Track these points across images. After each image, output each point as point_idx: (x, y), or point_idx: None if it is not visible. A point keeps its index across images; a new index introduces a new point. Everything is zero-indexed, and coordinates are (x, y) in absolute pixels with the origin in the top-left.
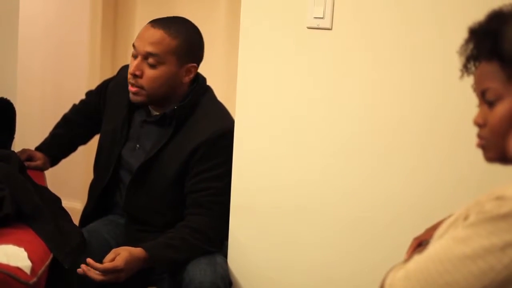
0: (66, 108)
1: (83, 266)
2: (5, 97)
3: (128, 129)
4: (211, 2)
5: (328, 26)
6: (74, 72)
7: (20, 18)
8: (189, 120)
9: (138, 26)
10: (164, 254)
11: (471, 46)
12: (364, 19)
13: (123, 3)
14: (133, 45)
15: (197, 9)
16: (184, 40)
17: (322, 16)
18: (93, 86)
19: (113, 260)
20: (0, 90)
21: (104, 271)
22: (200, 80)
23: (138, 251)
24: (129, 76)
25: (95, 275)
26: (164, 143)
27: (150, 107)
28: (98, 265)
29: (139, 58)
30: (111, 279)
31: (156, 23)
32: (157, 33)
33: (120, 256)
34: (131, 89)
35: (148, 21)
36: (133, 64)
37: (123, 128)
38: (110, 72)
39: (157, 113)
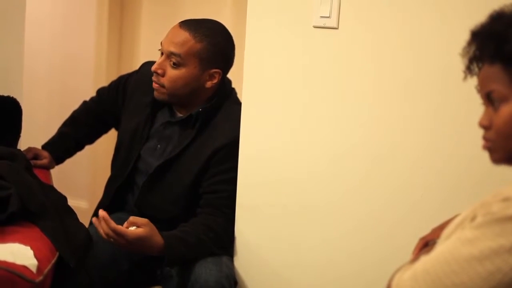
0: (72, 108)
1: (95, 219)
2: (11, 96)
3: (150, 128)
4: (218, 1)
5: (335, 25)
6: (80, 71)
7: (27, 20)
8: (211, 123)
9: (144, 26)
10: (178, 248)
11: (473, 48)
12: (371, 18)
13: (129, 3)
14: (161, 43)
15: (203, 8)
16: (210, 44)
17: (328, 15)
18: (99, 86)
19: (133, 224)
20: (6, 89)
21: (114, 231)
22: (226, 82)
23: (158, 239)
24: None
25: (102, 229)
26: (186, 145)
27: (174, 108)
28: (112, 223)
29: (163, 57)
30: (114, 242)
31: (185, 23)
32: (183, 34)
33: (139, 231)
34: (154, 85)
35: (179, 21)
36: (157, 62)
37: (145, 127)
38: (116, 72)
39: (181, 115)
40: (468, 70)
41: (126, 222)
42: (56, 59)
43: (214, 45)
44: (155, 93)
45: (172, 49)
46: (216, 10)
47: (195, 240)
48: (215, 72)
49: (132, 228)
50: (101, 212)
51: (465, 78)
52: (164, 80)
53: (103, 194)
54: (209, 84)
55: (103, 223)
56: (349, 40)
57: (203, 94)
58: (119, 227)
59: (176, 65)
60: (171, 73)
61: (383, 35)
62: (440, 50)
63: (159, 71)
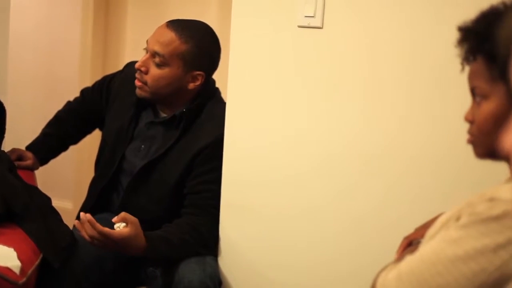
0: (57, 108)
1: (77, 222)
2: None
3: (134, 128)
4: (203, 1)
5: (319, 25)
6: (65, 70)
7: (11, 15)
8: (195, 123)
9: (129, 22)
10: (161, 248)
11: (462, 44)
12: (355, 18)
13: None
14: (147, 41)
15: (189, 9)
16: (195, 46)
17: (313, 15)
18: (84, 85)
19: (122, 220)
20: None
21: (100, 233)
22: (209, 82)
23: (142, 239)
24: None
25: (85, 232)
26: (170, 145)
27: (158, 108)
28: (98, 225)
29: (148, 55)
30: (98, 244)
31: (172, 24)
32: (169, 34)
33: (125, 231)
34: (136, 82)
35: (161, 20)
36: (141, 59)
37: (129, 127)
38: (101, 70)
39: (165, 115)
40: (463, 64)
41: (116, 217)
42: (41, 58)
43: (199, 47)
44: (137, 90)
45: (157, 48)
46: (202, 11)
47: (178, 240)
48: (198, 74)
49: (121, 226)
50: (84, 215)
51: (462, 70)
52: (147, 78)
53: (87, 195)
54: (191, 85)
55: (87, 225)
56: (333, 40)
57: (185, 95)
58: (105, 229)
59: (159, 65)
60: (154, 72)
61: (368, 35)
62: (427, 49)
63: (143, 69)
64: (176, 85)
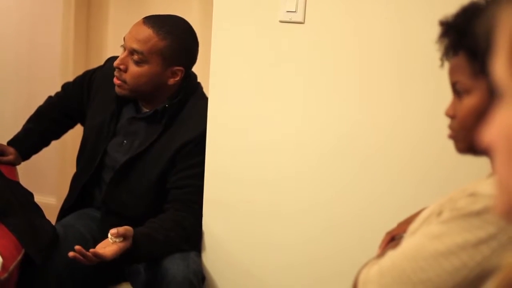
0: (38, 104)
1: (72, 253)
2: None
3: (116, 124)
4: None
5: (301, 20)
6: (47, 68)
7: None
8: (177, 118)
9: (111, 19)
10: (146, 246)
11: (442, 39)
12: (337, 13)
13: None
14: (124, 38)
15: (171, 6)
16: (173, 42)
17: (294, 10)
18: (65, 80)
19: (122, 232)
20: None
21: (96, 256)
22: (191, 77)
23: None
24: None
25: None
26: (153, 141)
27: (140, 104)
28: (99, 251)
29: (126, 52)
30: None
31: (148, 20)
32: (146, 31)
33: (121, 246)
34: (115, 81)
35: (143, 17)
36: (119, 57)
37: (111, 123)
38: (83, 68)
39: (147, 110)
40: (443, 59)
41: (116, 231)
42: (23, 54)
43: (177, 42)
44: (117, 88)
45: (135, 46)
46: (183, 8)
47: (163, 237)
48: (178, 69)
49: (117, 240)
50: (77, 251)
51: (441, 65)
52: (126, 76)
53: (69, 191)
54: (171, 81)
55: (88, 258)
56: (315, 35)
57: (166, 91)
58: (99, 253)
59: (138, 62)
60: (134, 69)
61: (349, 30)
62: (413, 42)
63: (122, 67)
64: (156, 82)
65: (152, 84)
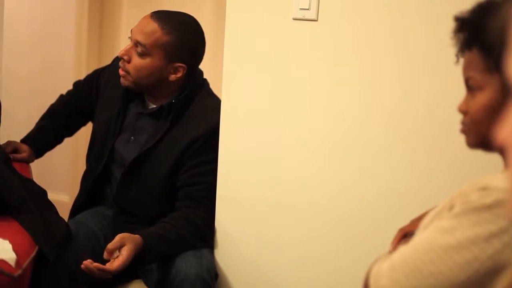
0: (52, 101)
1: (85, 264)
2: None
3: (123, 120)
4: None
5: (314, 17)
6: (61, 66)
7: (6, 16)
8: (184, 114)
9: (124, 21)
10: (158, 247)
11: (457, 34)
12: (350, 10)
13: (109, 0)
14: (131, 30)
15: (183, 5)
16: (177, 38)
17: (308, 7)
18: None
19: (117, 244)
20: None
21: (101, 271)
22: (197, 73)
23: (138, 240)
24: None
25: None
26: (160, 137)
27: (146, 100)
28: (101, 269)
29: (131, 44)
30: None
31: (156, 14)
32: (152, 25)
33: (124, 258)
34: (120, 71)
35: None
36: (124, 48)
37: (118, 119)
38: (96, 67)
39: (154, 106)
40: (457, 56)
41: (112, 245)
42: (37, 54)
43: (181, 39)
44: (121, 79)
45: (139, 38)
46: (197, 6)
47: (175, 237)
48: (180, 66)
49: (115, 255)
50: (86, 265)
51: (457, 62)
52: (129, 67)
53: (80, 189)
54: (172, 77)
55: (96, 273)
56: (328, 32)
57: (168, 86)
58: (103, 268)
59: (141, 54)
60: (136, 61)
61: (363, 27)
62: (423, 42)
63: (125, 57)
64: (157, 76)
65: (153, 78)
